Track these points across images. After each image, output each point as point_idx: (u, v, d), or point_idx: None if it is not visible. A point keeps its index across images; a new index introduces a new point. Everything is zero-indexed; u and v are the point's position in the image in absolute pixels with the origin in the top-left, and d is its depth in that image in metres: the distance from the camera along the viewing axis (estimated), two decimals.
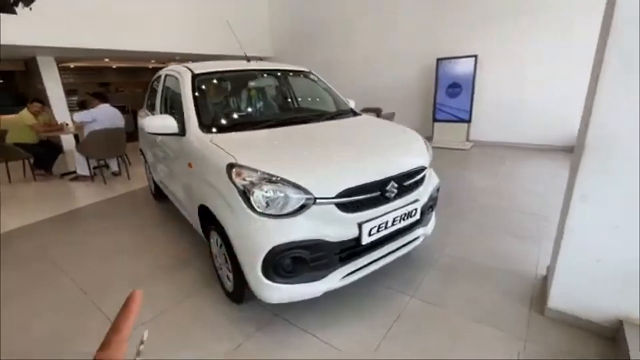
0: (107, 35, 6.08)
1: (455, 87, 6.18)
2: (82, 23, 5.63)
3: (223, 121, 2.42)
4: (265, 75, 2.97)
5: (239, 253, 1.72)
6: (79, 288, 2.35)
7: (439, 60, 6.20)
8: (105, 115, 4.72)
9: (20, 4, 4.11)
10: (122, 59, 9.34)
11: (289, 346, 1.77)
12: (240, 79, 2.85)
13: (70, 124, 5.76)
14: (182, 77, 2.51)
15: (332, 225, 1.70)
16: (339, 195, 1.69)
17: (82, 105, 5.02)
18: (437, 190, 2.38)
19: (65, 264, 2.68)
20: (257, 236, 1.63)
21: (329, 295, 1.86)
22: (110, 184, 4.88)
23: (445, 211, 3.22)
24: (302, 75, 3.06)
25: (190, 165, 2.14)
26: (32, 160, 5.20)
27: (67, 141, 6.64)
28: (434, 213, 2.47)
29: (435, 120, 6.50)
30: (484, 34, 5.93)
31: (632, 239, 1.55)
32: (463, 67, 6.01)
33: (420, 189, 2.09)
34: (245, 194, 1.66)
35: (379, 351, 1.71)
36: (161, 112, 2.94)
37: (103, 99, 4.89)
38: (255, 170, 1.68)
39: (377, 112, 5.70)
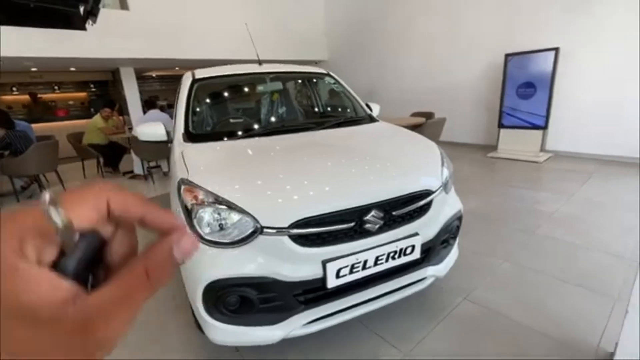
0: (177, 46, 6.65)
1: (528, 87, 5.16)
2: (154, 36, 6.22)
3: (208, 129, 2.26)
4: (274, 78, 2.75)
5: (185, 282, 1.51)
6: None
7: (507, 55, 5.26)
8: (154, 120, 5.06)
9: (89, 21, 4.63)
10: (191, 67, 10.23)
11: None
12: (245, 82, 2.68)
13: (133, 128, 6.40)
14: (183, 82, 2.44)
15: (286, 262, 1.38)
16: (294, 226, 1.35)
17: (148, 105, 5.52)
18: (459, 219, 1.87)
19: None
20: (196, 266, 1.39)
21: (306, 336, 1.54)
22: (159, 184, 5.22)
23: (482, 242, 2.59)
24: (315, 79, 2.77)
25: (165, 174, 2.02)
26: (101, 159, 5.88)
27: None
28: (455, 248, 1.95)
29: (501, 126, 5.54)
30: (567, 23, 4.83)
31: None
32: (539, 63, 4.98)
33: (424, 218, 1.62)
34: (189, 214, 1.44)
35: None
36: (172, 118, 2.93)
37: (152, 105, 5.26)
38: (202, 189, 1.45)
39: (427, 117, 5.08)
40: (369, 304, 1.59)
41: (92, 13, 4.19)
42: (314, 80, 2.77)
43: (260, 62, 2.80)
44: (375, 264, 1.49)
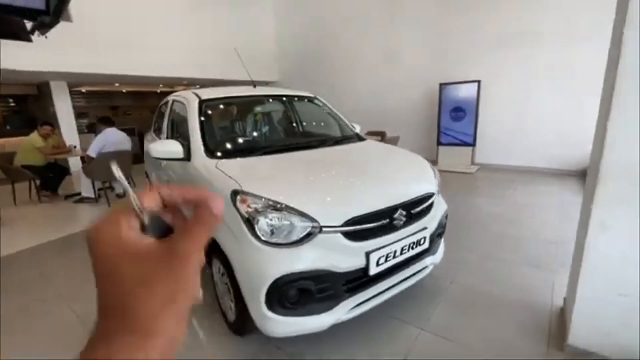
0: (119, 61, 6.28)
1: (458, 111, 6.22)
2: (96, 50, 5.83)
3: (228, 146, 2.42)
4: (270, 100, 3.00)
5: (242, 284, 1.66)
6: (76, 315, 2.27)
7: (442, 85, 6.28)
8: (112, 139, 4.78)
9: (36, 32, 4.27)
10: (132, 83, 9.60)
11: None
12: (246, 104, 2.88)
13: (78, 147, 5.84)
14: (189, 103, 2.54)
15: (338, 255, 1.64)
16: (346, 224, 1.64)
17: (92, 129, 5.07)
18: (446, 217, 2.32)
19: (65, 291, 2.61)
20: (260, 266, 1.57)
21: (334, 327, 1.77)
22: (115, 206, 4.86)
23: (454, 238, 3.13)
24: (307, 100, 3.09)
25: None
26: (37, 182, 5.23)
27: (74, 163, 6.72)
28: (442, 241, 2.40)
29: (439, 143, 6.51)
30: (487, 60, 6.03)
31: None
32: (466, 92, 6.07)
33: (429, 216, 2.03)
34: (249, 222, 1.61)
35: None
36: (167, 137, 2.96)
37: (109, 123, 4.96)
38: (260, 198, 1.64)
39: (381, 136, 5.72)
40: (394, 289, 1.92)
41: (47, 25, 3.91)
42: (307, 101, 3.09)
43: (254, 85, 3.03)
44: (402, 253, 1.84)
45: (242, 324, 1.91)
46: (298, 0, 8.64)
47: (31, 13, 3.58)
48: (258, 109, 2.96)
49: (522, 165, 6.04)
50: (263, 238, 1.59)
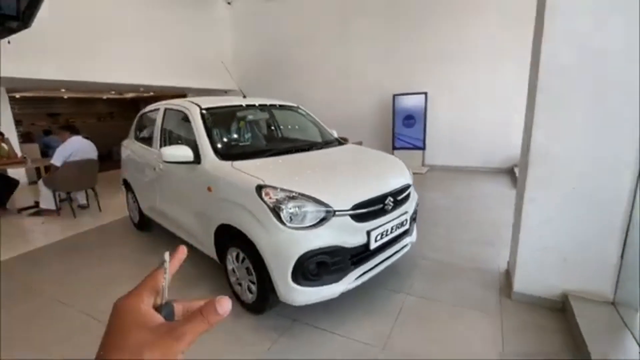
0: (68, 66, 5.99)
1: (410, 119, 7.03)
2: (43, 54, 5.53)
3: (238, 150, 2.70)
4: (260, 109, 3.32)
5: (271, 262, 1.96)
6: (90, 316, 2.35)
7: (394, 95, 7.06)
8: (79, 147, 4.62)
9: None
10: (78, 89, 9.01)
11: (314, 344, 2.02)
12: (241, 112, 3.16)
13: (28, 159, 5.45)
14: (191, 111, 2.76)
15: (347, 233, 2.04)
16: (353, 208, 2.05)
17: (28, 138, 4.76)
18: (417, 204, 2.85)
19: (63, 297, 2.63)
20: (288, 246, 1.91)
21: (341, 299, 2.15)
22: (80, 218, 4.68)
23: (419, 225, 3.72)
24: (292, 110, 3.47)
25: (209, 189, 2.36)
26: None
27: (18, 174, 6.19)
28: (415, 224, 2.93)
29: (394, 147, 7.26)
30: (433, 73, 6.96)
31: (566, 231, 2.12)
32: (415, 102, 6.91)
33: (408, 203, 2.54)
34: (275, 210, 1.94)
35: (391, 337, 2.03)
36: (162, 143, 3.10)
37: (74, 131, 4.78)
38: (283, 190, 1.98)
39: (345, 141, 6.26)
40: (385, 262, 2.36)
41: (13, 30, 3.76)
42: (292, 110, 3.46)
43: (244, 96, 3.33)
44: (392, 231, 2.30)
45: (261, 303, 2.20)
46: (255, 17, 8.94)
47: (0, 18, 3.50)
48: (254, 116, 3.26)
49: (463, 165, 7.03)
50: (288, 223, 1.93)
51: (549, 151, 2.07)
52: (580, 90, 1.95)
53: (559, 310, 2.22)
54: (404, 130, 7.11)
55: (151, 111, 3.48)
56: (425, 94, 6.79)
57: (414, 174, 6.63)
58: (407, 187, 2.54)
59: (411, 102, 6.94)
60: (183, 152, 2.46)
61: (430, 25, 6.84)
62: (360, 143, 6.09)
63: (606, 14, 1.85)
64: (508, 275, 2.61)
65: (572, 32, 1.93)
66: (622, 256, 2.06)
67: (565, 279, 2.20)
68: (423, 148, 7.05)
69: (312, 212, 1.96)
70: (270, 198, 1.97)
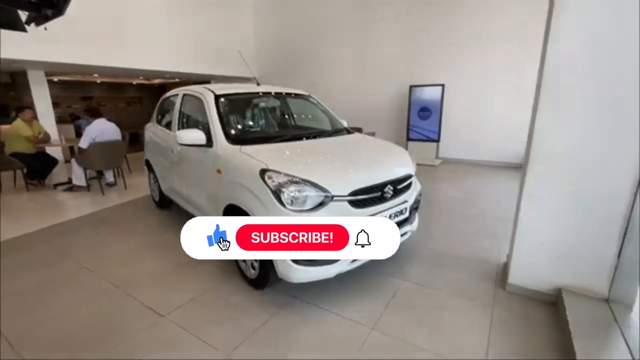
0: (103, 53, 6.33)
1: (425, 111, 6.96)
2: (79, 41, 5.86)
3: (248, 135, 2.84)
4: (272, 96, 3.45)
5: None
6: (110, 283, 2.61)
7: (411, 87, 6.98)
8: (103, 129, 4.94)
9: (32, 24, 4.37)
10: (110, 74, 9.46)
11: (309, 320, 2.16)
12: (255, 99, 3.30)
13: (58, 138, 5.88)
14: (206, 97, 2.92)
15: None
16: (351, 194, 2.16)
17: (91, 114, 5.13)
18: (420, 195, 2.91)
19: (89, 264, 2.91)
20: None
21: (338, 281, 2.28)
22: (108, 194, 5.05)
23: (423, 215, 3.77)
24: (303, 98, 3.57)
25: (219, 171, 2.52)
26: (25, 171, 5.26)
27: (55, 153, 6.67)
28: (417, 214, 2.99)
29: (409, 139, 7.23)
30: (450, 64, 6.81)
31: (562, 227, 2.14)
32: (432, 94, 6.82)
33: (408, 192, 2.61)
34: (276, 194, 2.08)
35: (382, 319, 2.14)
36: (179, 127, 3.30)
37: (97, 114, 5.10)
38: (284, 174, 2.11)
39: (359, 131, 6.30)
40: None
41: (48, 18, 4.03)
42: (303, 99, 3.56)
43: (258, 83, 3.45)
44: (390, 219, 2.39)
45: (263, 279, 2.37)
46: (277, 3, 8.99)
47: (35, 5, 3.77)
48: (263, 104, 3.40)
49: (476, 159, 6.93)
50: (288, 206, 2.06)
51: (550, 148, 2.07)
52: (583, 89, 1.94)
53: (552, 304, 2.26)
54: (419, 122, 7.05)
55: (172, 96, 3.69)
56: (443, 85, 6.68)
57: (427, 165, 6.68)
58: (408, 176, 2.61)
59: (428, 94, 6.85)
60: (197, 136, 2.64)
61: (451, 17, 6.67)
62: (373, 134, 6.11)
63: (612, 13, 1.82)
64: (505, 268, 2.65)
65: (575, 31, 1.91)
66: (619, 253, 2.07)
67: (560, 274, 2.22)
68: (437, 140, 6.98)
69: (312, 196, 2.08)
70: (273, 181, 2.11)
